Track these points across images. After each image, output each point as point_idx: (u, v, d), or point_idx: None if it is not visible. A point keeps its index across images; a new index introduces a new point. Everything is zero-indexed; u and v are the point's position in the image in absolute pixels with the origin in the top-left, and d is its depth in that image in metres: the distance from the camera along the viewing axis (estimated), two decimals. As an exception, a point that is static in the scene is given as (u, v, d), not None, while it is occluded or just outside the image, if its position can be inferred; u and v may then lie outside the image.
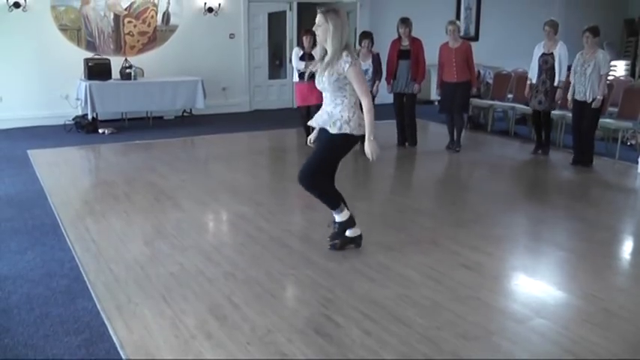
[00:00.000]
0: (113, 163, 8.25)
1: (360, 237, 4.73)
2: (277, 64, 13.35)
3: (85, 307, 3.80)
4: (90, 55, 10.48)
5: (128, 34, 11.00)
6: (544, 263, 4.69)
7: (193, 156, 9.02)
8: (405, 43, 8.57)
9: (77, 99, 10.21)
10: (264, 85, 12.79)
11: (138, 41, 11.10)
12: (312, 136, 4.74)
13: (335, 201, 4.57)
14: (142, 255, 4.64)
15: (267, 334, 3.44)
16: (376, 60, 8.54)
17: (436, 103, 11.00)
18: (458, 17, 13.86)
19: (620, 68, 14.16)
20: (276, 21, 12.68)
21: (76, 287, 4.10)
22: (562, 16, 13.48)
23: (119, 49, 10.94)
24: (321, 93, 4.47)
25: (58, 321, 3.62)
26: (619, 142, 8.34)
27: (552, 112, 8.39)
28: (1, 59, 10.03)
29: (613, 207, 6.36)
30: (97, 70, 10.03)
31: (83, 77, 10.10)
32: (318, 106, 4.64)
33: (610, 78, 8.26)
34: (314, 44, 7.91)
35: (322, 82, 4.34)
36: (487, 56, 12.18)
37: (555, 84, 8.02)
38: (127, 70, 10.34)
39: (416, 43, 8.57)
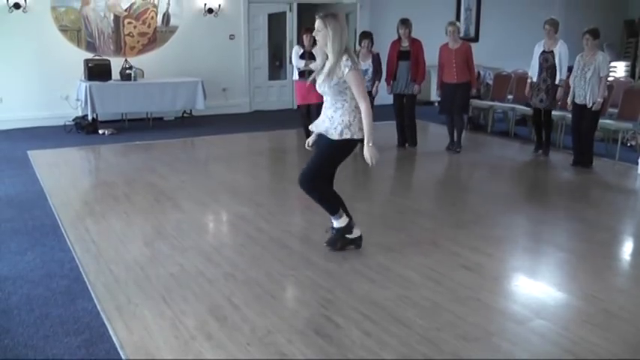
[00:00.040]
0: (113, 164, 8.25)
1: (360, 238, 4.73)
2: (277, 65, 13.36)
3: (85, 307, 3.80)
4: (90, 55, 10.48)
5: (128, 34, 11.01)
6: (544, 264, 4.70)
7: (193, 157, 9.02)
8: (405, 44, 8.57)
9: (77, 100, 10.21)
10: (264, 86, 12.79)
11: (138, 42, 11.11)
12: (310, 140, 4.75)
13: (334, 206, 4.57)
14: (142, 256, 4.65)
15: (267, 335, 3.44)
16: (376, 60, 8.54)
17: (436, 104, 11.00)
18: (458, 18, 13.86)
19: (620, 69, 14.16)
20: (276, 22, 12.68)
21: (76, 288, 4.10)
22: (562, 17, 13.43)
23: (119, 49, 10.94)
24: None
25: (58, 322, 3.62)
26: (619, 143, 8.34)
27: (552, 112, 8.39)
28: (2, 60, 10.03)
29: (613, 208, 6.36)
30: (97, 71, 10.03)
31: (83, 78, 10.10)
32: (319, 105, 4.65)
33: (610, 79, 8.25)
34: (314, 42, 7.92)
35: (322, 86, 4.35)
36: (487, 57, 12.18)
37: (557, 82, 8.02)
38: (127, 71, 10.34)
39: (416, 44, 8.57)
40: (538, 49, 8.18)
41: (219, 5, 11.66)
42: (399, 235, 5.14)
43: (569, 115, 8.16)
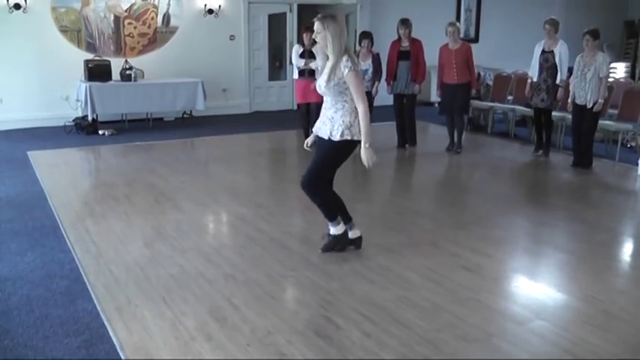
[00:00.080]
0: (113, 165, 8.25)
1: (360, 238, 4.73)
2: (277, 66, 13.36)
3: (85, 308, 3.80)
4: (90, 56, 10.48)
5: (128, 35, 11.01)
6: (544, 265, 4.70)
7: (193, 157, 9.02)
8: (405, 44, 8.58)
9: (77, 100, 10.21)
10: (264, 86, 12.79)
11: (138, 42, 11.11)
12: (309, 140, 4.74)
13: (333, 212, 4.57)
14: (142, 256, 4.65)
15: (267, 336, 3.44)
16: (376, 60, 8.55)
17: (436, 104, 10.99)
18: (458, 19, 13.86)
19: (620, 70, 14.16)
20: (276, 22, 12.68)
21: (76, 288, 4.10)
22: (562, 18, 13.41)
23: (119, 50, 10.94)
24: None
25: (57, 322, 3.62)
26: (619, 144, 8.34)
27: (553, 113, 8.39)
28: (2, 60, 10.03)
29: (613, 209, 6.36)
30: (97, 72, 10.03)
31: (83, 78, 10.10)
32: (318, 104, 4.64)
33: (610, 80, 8.25)
34: (314, 41, 7.92)
35: (323, 87, 4.35)
36: (487, 58, 12.18)
37: (557, 82, 8.02)
38: (127, 72, 10.34)
39: (416, 44, 8.58)
40: (538, 49, 8.18)
41: (220, 6, 11.66)
42: (399, 236, 5.14)
43: (569, 116, 8.17)
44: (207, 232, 5.60)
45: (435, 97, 10.56)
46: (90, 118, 9.91)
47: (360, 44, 8.61)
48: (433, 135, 10.40)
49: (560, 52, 7.96)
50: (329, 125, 4.37)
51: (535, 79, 8.22)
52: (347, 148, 4.40)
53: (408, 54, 8.54)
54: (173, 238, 5.07)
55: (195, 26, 11.51)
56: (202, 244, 4.96)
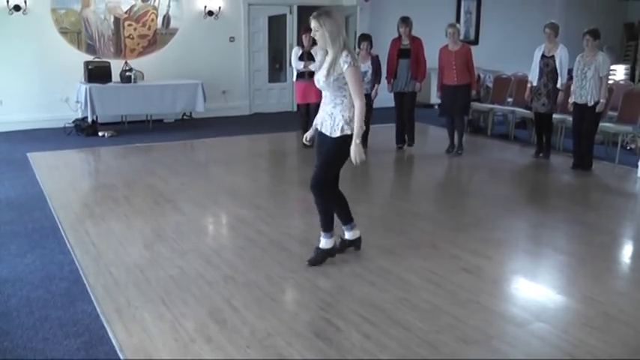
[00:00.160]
0: (113, 166, 8.25)
1: (359, 239, 4.73)
2: (277, 68, 13.36)
3: (85, 310, 3.80)
4: (90, 58, 10.49)
5: (128, 37, 11.01)
6: (544, 267, 4.70)
7: (193, 159, 9.02)
8: (406, 42, 8.59)
9: (77, 102, 10.21)
10: (264, 88, 12.80)
11: (138, 44, 11.12)
12: (308, 135, 4.71)
13: (330, 223, 4.53)
14: (141, 258, 4.64)
15: (266, 338, 3.44)
16: (375, 62, 8.55)
17: (436, 107, 11.00)
18: (458, 21, 13.84)
19: (619, 72, 14.17)
20: (276, 24, 12.69)
21: (76, 290, 4.10)
22: (562, 20, 13.44)
23: (119, 52, 10.95)
24: (320, 90, 4.47)
25: (57, 324, 3.62)
26: (619, 146, 8.34)
27: (553, 115, 8.39)
28: (2, 62, 10.03)
29: (613, 211, 6.36)
30: (97, 73, 10.04)
31: (83, 80, 10.11)
32: (318, 104, 4.63)
33: (610, 82, 8.26)
34: (313, 43, 7.93)
35: (322, 82, 4.33)
36: (487, 60, 12.18)
37: (558, 86, 8.02)
38: (127, 73, 10.35)
39: (416, 42, 8.59)
40: (538, 54, 8.16)
41: (220, 7, 11.67)
42: (398, 238, 5.14)
43: (570, 118, 8.17)
44: (207, 233, 5.60)
45: (434, 99, 10.54)
46: (90, 120, 9.91)
47: (359, 46, 8.61)
48: (433, 137, 10.41)
49: (561, 56, 7.95)
50: (329, 121, 4.36)
51: (535, 84, 8.22)
52: (348, 142, 4.37)
53: (409, 52, 8.55)
54: (173, 239, 5.07)
55: (195, 28, 11.52)
56: (202, 245, 4.96)
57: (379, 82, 8.64)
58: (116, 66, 10.35)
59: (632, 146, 8.91)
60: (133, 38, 11.05)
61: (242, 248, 4.90)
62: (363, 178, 7.54)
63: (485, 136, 10.23)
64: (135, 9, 10.97)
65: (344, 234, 4.72)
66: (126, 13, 10.92)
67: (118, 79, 10.31)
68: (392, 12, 12.02)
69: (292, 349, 3.33)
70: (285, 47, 12.82)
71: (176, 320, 3.65)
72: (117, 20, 10.87)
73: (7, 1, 9.93)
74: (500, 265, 4.69)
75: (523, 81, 9.36)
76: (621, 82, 11.64)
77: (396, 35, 8.74)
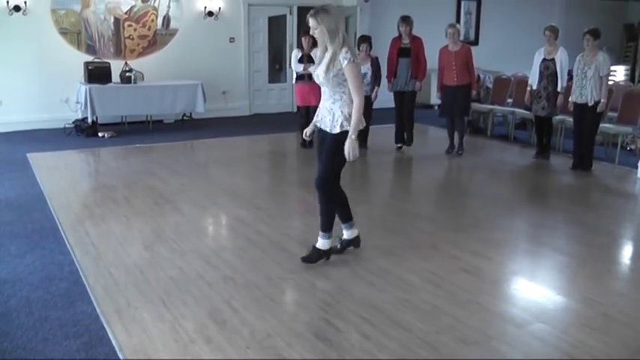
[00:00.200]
0: (113, 167, 8.25)
1: (357, 238, 4.72)
2: (277, 68, 13.37)
3: (85, 310, 3.80)
4: (90, 58, 10.50)
5: (128, 37, 11.02)
6: (543, 268, 4.69)
7: (193, 160, 9.02)
8: (406, 41, 8.58)
9: (77, 102, 10.21)
10: (264, 88, 12.80)
11: (138, 45, 11.12)
12: (308, 130, 4.69)
13: (330, 224, 4.53)
14: (141, 259, 4.64)
15: (266, 338, 3.44)
16: (375, 64, 8.55)
17: (436, 107, 11.01)
18: (458, 22, 13.86)
19: (619, 73, 14.17)
20: (276, 25, 12.70)
21: (76, 291, 4.10)
22: (562, 21, 13.47)
23: (119, 52, 10.96)
24: (321, 94, 4.47)
25: (57, 324, 3.62)
26: (618, 146, 8.34)
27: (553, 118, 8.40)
28: (1, 63, 10.04)
29: (613, 211, 6.36)
30: (97, 74, 10.04)
31: (83, 81, 10.11)
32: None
33: (610, 83, 8.26)
34: (313, 45, 7.93)
35: (321, 77, 4.32)
36: (487, 61, 12.18)
37: (558, 89, 8.02)
38: (127, 74, 10.35)
39: (416, 41, 8.59)
40: (538, 57, 8.15)
41: (220, 8, 11.68)
42: (398, 239, 5.14)
43: (570, 119, 8.17)
44: (207, 234, 5.60)
45: (434, 99, 10.56)
46: (90, 121, 9.91)
47: (358, 48, 8.60)
48: (433, 137, 10.41)
49: (561, 59, 7.95)
50: (329, 117, 4.35)
51: (535, 87, 8.22)
52: (347, 138, 4.35)
53: (409, 51, 8.55)
54: (172, 240, 5.06)
55: (195, 28, 11.52)
56: (202, 246, 4.96)
57: (379, 85, 8.63)
58: (116, 66, 10.35)
59: (632, 147, 8.92)
60: (133, 39, 11.05)
61: (242, 249, 4.90)
62: (362, 178, 7.55)
63: (485, 137, 10.23)
64: (135, 9, 10.98)
65: (342, 233, 4.71)
66: (126, 13, 10.92)
67: (118, 80, 10.32)
68: (392, 12, 12.00)
69: (292, 349, 3.33)
70: (285, 48, 12.83)
71: (176, 321, 3.64)
72: (117, 21, 10.87)
73: (7, 2, 9.93)
74: (500, 266, 4.69)
75: (523, 82, 9.36)
76: (621, 82, 11.63)
77: (395, 35, 8.74)
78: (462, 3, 14.38)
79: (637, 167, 7.63)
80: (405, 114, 8.83)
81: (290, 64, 9.29)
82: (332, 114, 4.32)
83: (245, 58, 12.23)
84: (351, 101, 4.26)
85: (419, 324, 3.62)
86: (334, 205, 4.52)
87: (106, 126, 10.19)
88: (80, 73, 10.15)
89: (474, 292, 4.09)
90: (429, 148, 9.58)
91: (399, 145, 8.94)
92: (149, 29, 11.16)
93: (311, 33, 4.38)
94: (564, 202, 6.71)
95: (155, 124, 10.94)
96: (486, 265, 4.63)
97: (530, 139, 9.68)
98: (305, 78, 8.62)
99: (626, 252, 5.28)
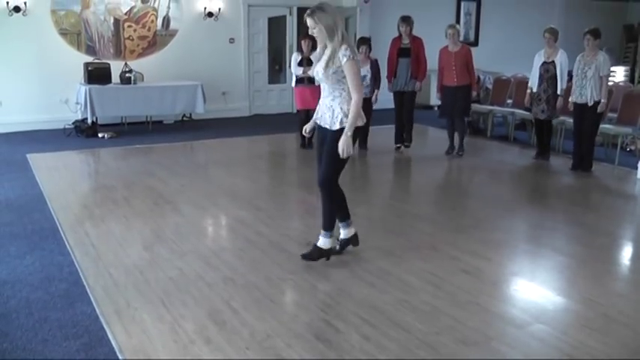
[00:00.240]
0: (112, 168, 8.25)
1: (355, 236, 4.68)
2: (277, 69, 13.37)
3: (84, 311, 3.80)
4: (90, 59, 10.50)
5: (128, 38, 11.02)
6: (543, 268, 4.69)
7: (193, 160, 9.02)
8: (406, 41, 8.59)
9: (77, 103, 10.21)
10: (264, 89, 12.80)
11: (138, 45, 11.12)
12: (307, 127, 4.68)
13: (332, 223, 4.54)
14: (141, 259, 4.64)
15: (266, 339, 3.44)
16: (374, 66, 8.54)
17: (436, 108, 11.00)
18: (458, 22, 13.87)
19: (619, 74, 14.17)
20: (276, 26, 12.70)
21: (75, 291, 4.10)
22: (562, 22, 13.51)
23: (119, 53, 10.96)
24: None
25: (56, 325, 3.62)
26: (618, 147, 8.34)
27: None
28: (1, 63, 10.04)
29: (612, 212, 6.36)
30: (97, 75, 10.04)
31: (83, 81, 10.11)
32: None
33: (609, 83, 8.27)
34: (313, 48, 7.93)
35: (320, 74, 4.31)
36: (487, 61, 12.18)
37: (558, 92, 8.02)
38: (127, 75, 10.35)
39: (416, 41, 8.58)
40: (538, 60, 8.15)
41: (219, 9, 11.68)
42: (398, 240, 5.14)
43: (570, 120, 8.17)
44: (207, 235, 5.60)
45: (434, 100, 10.56)
46: (89, 121, 9.91)
47: (358, 50, 8.58)
48: (433, 138, 10.41)
49: (561, 61, 7.95)
50: (328, 114, 4.35)
51: (535, 90, 8.22)
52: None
53: (409, 51, 8.54)
54: (172, 241, 5.06)
55: (194, 29, 11.53)
56: (201, 247, 4.96)
57: (379, 88, 8.62)
58: (116, 67, 10.35)
59: (632, 148, 8.91)
60: (132, 39, 11.05)
61: (241, 250, 4.90)
62: (362, 179, 7.55)
63: (484, 138, 10.23)
64: (135, 10, 10.98)
65: (340, 233, 4.69)
66: (126, 14, 10.93)
67: (118, 81, 10.32)
68: (392, 13, 12.01)
69: (292, 350, 3.33)
70: (285, 48, 12.84)
71: (175, 321, 3.64)
72: (117, 21, 10.88)
73: (7, 3, 9.93)
74: (499, 267, 4.69)
75: (523, 83, 9.36)
76: (621, 83, 11.63)
77: (395, 36, 8.74)
78: (462, 4, 14.39)
79: (637, 168, 7.63)
80: (405, 114, 8.83)
81: (290, 64, 9.29)
82: (332, 111, 4.32)
83: (245, 59, 12.24)
84: (350, 98, 4.26)
85: (419, 325, 3.62)
86: (336, 202, 4.52)
87: (105, 127, 10.19)
88: (80, 73, 10.15)
89: (474, 293, 4.09)
90: (429, 149, 9.58)
91: (398, 145, 8.94)
92: (149, 30, 11.16)
93: (310, 33, 4.38)
94: (564, 203, 6.71)
95: (155, 124, 10.94)
96: (486, 265, 4.63)
97: (530, 139, 9.68)
98: (305, 81, 8.62)
99: (626, 253, 5.28)
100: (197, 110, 10.80)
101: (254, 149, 9.65)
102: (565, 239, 5.43)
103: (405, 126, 8.88)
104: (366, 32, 11.67)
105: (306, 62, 8.54)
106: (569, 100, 7.79)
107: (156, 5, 11.13)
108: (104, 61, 10.47)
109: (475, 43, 14.15)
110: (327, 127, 4.35)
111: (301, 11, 12.49)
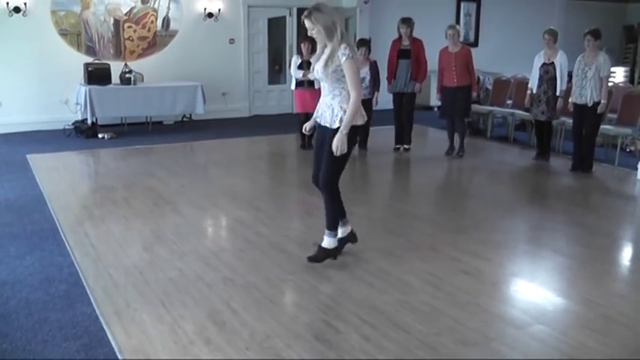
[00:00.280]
0: (112, 168, 8.25)
1: (352, 233, 4.67)
2: (277, 70, 13.37)
3: (84, 312, 3.80)
4: (90, 59, 10.50)
5: (128, 39, 11.02)
6: (543, 269, 4.69)
7: (193, 161, 9.02)
8: (406, 42, 8.59)
9: (77, 104, 10.21)
10: (264, 90, 12.81)
11: (138, 46, 11.12)
12: (307, 125, 4.69)
13: (336, 222, 4.53)
14: (140, 260, 4.64)
15: (265, 340, 3.44)
16: (374, 68, 8.52)
17: (436, 109, 11.00)
18: (457, 23, 13.88)
19: (619, 74, 14.18)
20: (275, 26, 12.70)
21: (75, 292, 4.09)
22: (562, 23, 13.53)
23: (119, 54, 10.96)
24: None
25: (56, 326, 3.62)
26: (618, 148, 8.35)
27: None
28: (1, 64, 10.04)
29: (612, 213, 6.36)
30: (97, 75, 10.04)
31: (83, 82, 10.11)
32: None
33: (609, 84, 8.27)
34: (312, 50, 7.93)
35: (319, 72, 4.32)
36: (486, 62, 12.19)
37: (557, 93, 8.02)
38: (127, 75, 10.35)
39: (416, 42, 8.58)
40: (538, 61, 8.15)
41: (219, 9, 11.68)
42: (398, 240, 5.14)
43: (569, 121, 8.17)
44: (207, 235, 5.60)
45: (434, 101, 10.57)
46: (89, 122, 9.91)
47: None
48: (433, 139, 10.41)
49: (561, 63, 7.95)
50: (328, 112, 4.35)
51: (535, 91, 8.22)
52: (349, 133, 4.34)
53: (409, 53, 8.54)
54: (172, 241, 5.06)
55: (194, 30, 11.53)
56: (201, 247, 4.96)
57: (378, 90, 8.61)
58: (116, 68, 10.35)
59: (632, 148, 8.91)
60: (132, 40, 11.06)
61: (241, 250, 4.90)
62: (362, 179, 7.55)
63: (484, 139, 10.23)
64: (134, 11, 10.98)
65: (337, 232, 4.68)
66: (125, 15, 10.93)
67: (118, 81, 10.32)
68: (391, 14, 12.03)
69: (291, 351, 3.33)
70: (284, 49, 12.84)
71: (175, 322, 3.64)
72: (117, 22, 10.88)
73: (7, 3, 9.94)
74: (499, 267, 4.69)
75: (523, 83, 9.36)
76: (620, 84, 11.64)
77: (395, 37, 8.74)
78: (462, 4, 14.40)
79: (637, 169, 7.62)
80: (404, 115, 8.83)
81: (290, 65, 9.29)
82: (331, 109, 4.33)
83: (245, 60, 12.24)
84: (350, 97, 4.26)
85: (418, 325, 3.62)
86: (338, 199, 4.51)
87: (105, 127, 10.19)
88: (80, 74, 10.15)
89: (474, 294, 4.09)
90: (429, 150, 9.58)
91: (398, 146, 8.94)
92: (149, 30, 11.17)
93: (309, 34, 4.38)
94: (564, 204, 6.71)
95: (155, 125, 10.94)
96: (486, 266, 4.63)
97: (529, 140, 9.68)
98: (304, 84, 8.62)
99: (626, 253, 5.28)
100: (197, 111, 10.80)
101: (254, 150, 9.65)
102: (565, 240, 5.43)
103: (405, 127, 8.88)
104: (366, 33, 11.69)
105: (306, 65, 8.54)
106: (569, 100, 7.79)
107: (156, 6, 11.14)
108: (104, 61, 10.48)
109: (475, 44, 14.16)
110: (327, 125, 4.36)
111: (301, 12, 12.35)
